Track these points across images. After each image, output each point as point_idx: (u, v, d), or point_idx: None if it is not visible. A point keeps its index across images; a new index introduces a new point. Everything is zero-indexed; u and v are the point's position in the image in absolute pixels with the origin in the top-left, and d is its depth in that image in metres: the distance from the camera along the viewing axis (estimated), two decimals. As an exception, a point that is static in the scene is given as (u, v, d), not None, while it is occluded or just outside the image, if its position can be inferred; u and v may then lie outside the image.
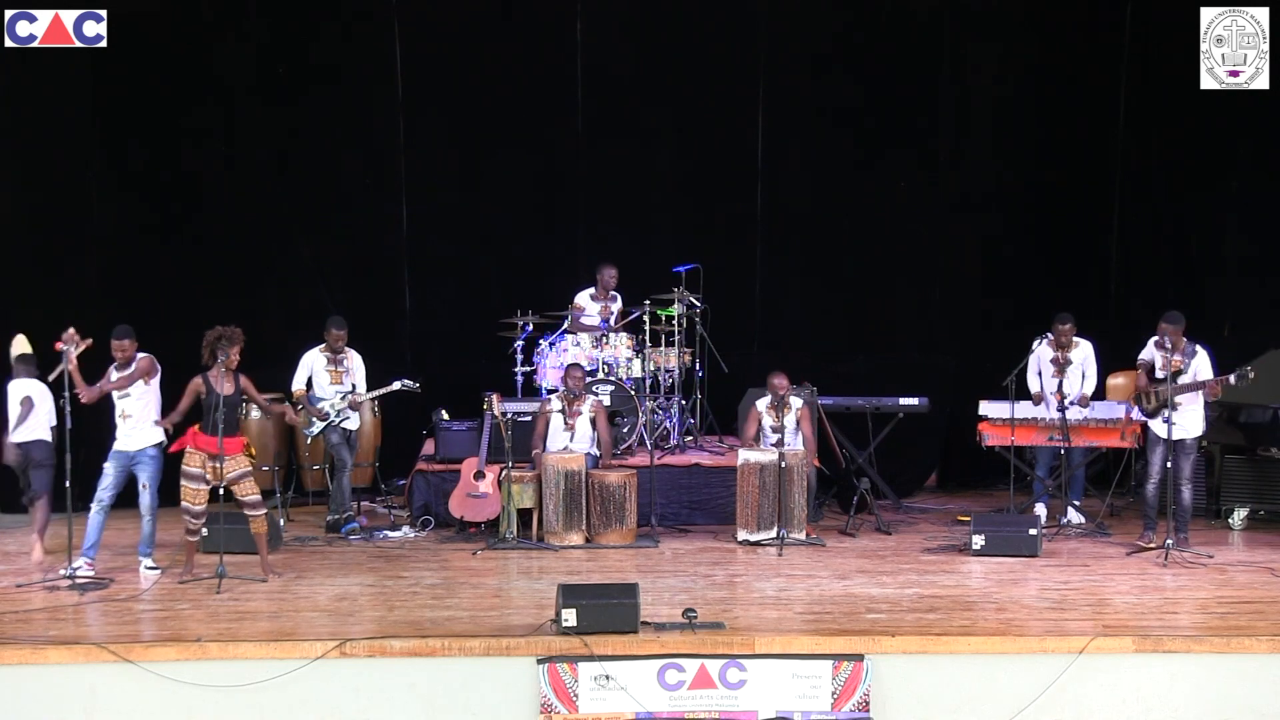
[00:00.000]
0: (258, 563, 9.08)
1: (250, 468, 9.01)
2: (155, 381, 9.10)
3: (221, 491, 8.89)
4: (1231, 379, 9.49)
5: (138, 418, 9.03)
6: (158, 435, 9.09)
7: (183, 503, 8.91)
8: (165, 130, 11.76)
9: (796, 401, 10.42)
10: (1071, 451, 10.55)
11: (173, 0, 11.71)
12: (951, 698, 7.49)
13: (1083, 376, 10.56)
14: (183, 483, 8.87)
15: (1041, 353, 10.63)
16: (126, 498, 9.20)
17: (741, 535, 10.02)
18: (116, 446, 9.09)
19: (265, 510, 9.10)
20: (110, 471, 9.08)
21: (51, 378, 8.94)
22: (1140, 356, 9.99)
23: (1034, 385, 10.61)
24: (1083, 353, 10.60)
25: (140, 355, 9.05)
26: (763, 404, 10.45)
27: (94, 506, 9.03)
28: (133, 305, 11.21)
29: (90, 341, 8.84)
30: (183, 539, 9.10)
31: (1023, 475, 10.89)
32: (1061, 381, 10.47)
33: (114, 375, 9.02)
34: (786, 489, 9.89)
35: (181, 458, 8.89)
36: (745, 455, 10.08)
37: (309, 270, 12.22)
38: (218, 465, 8.81)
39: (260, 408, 9.48)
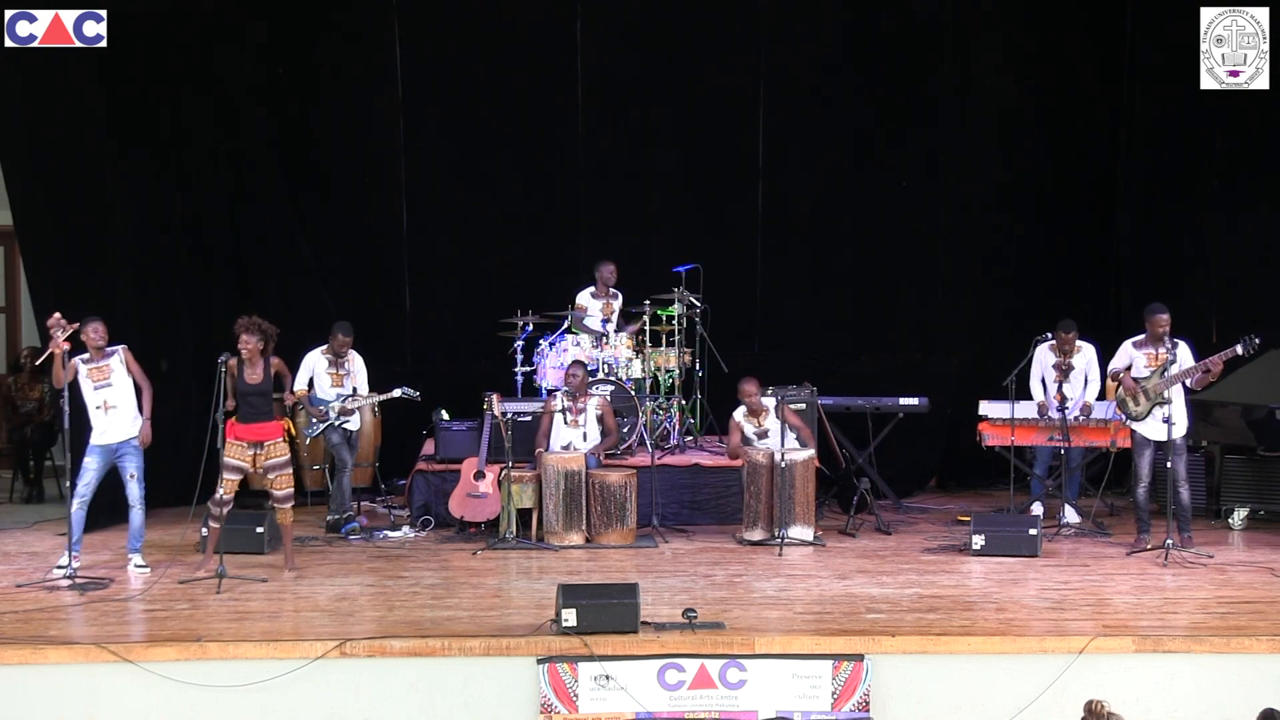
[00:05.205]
0: (257, 563, 9.15)
1: (287, 456, 9.12)
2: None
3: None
4: (1238, 349, 9.37)
5: (122, 408, 9.03)
6: (138, 425, 9.09)
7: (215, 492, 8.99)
8: (165, 130, 11.74)
9: (769, 402, 10.30)
10: (1070, 451, 10.55)
11: (173, 0, 11.71)
12: (951, 698, 7.49)
13: (1085, 381, 10.53)
14: (222, 473, 8.92)
15: (1043, 357, 10.60)
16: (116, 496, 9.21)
17: (745, 535, 10.04)
18: (97, 440, 9.00)
19: (294, 504, 9.21)
20: (93, 466, 9.02)
21: (39, 361, 8.93)
22: (1112, 366, 9.94)
23: (1038, 393, 10.58)
24: (1085, 357, 10.57)
25: (118, 346, 9.06)
26: (740, 414, 10.40)
27: (75, 503, 8.93)
28: (132, 304, 11.22)
29: (76, 325, 8.86)
30: (208, 528, 9.09)
31: (1023, 475, 10.88)
32: (1063, 385, 10.46)
33: (81, 365, 8.93)
34: (789, 488, 9.88)
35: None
36: (750, 455, 10.08)
37: (309, 270, 12.21)
38: (257, 453, 8.96)
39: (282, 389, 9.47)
